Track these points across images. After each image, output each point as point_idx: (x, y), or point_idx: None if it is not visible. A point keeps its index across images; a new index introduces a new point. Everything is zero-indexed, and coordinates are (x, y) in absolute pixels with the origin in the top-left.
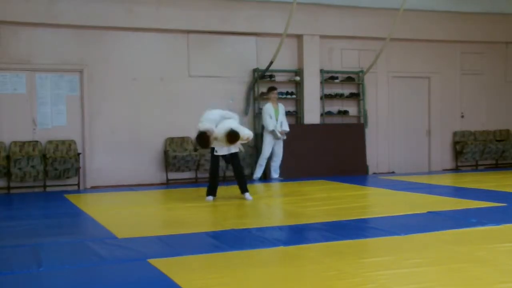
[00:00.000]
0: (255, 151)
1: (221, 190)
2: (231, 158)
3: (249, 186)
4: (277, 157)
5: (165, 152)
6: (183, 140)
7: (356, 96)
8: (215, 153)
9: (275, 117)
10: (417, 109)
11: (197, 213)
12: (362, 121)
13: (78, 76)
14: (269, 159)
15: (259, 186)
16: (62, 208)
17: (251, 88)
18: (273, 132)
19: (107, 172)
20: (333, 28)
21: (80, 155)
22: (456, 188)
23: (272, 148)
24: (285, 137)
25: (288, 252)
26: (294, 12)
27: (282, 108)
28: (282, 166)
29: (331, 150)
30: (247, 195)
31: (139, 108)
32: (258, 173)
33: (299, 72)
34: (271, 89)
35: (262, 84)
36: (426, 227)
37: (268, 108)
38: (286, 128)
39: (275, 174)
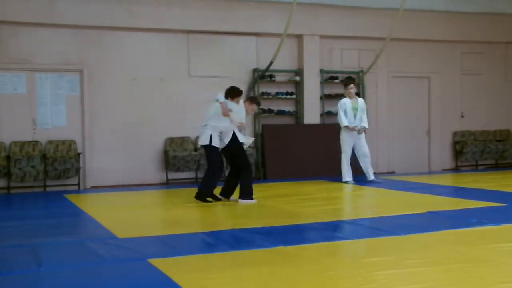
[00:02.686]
0: (255, 151)
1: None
2: (231, 156)
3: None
4: (364, 157)
5: (165, 152)
6: (183, 140)
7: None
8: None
9: (352, 113)
10: (417, 109)
11: (197, 213)
12: None
13: (78, 76)
14: (355, 159)
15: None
16: (62, 208)
17: (251, 88)
18: (347, 128)
19: (107, 172)
20: (333, 28)
21: (80, 155)
22: (456, 188)
23: (355, 148)
24: (361, 133)
25: (288, 252)
26: (294, 12)
27: (362, 103)
28: (282, 166)
29: (331, 150)
30: (240, 201)
31: (139, 108)
32: (348, 176)
33: (299, 72)
34: (347, 83)
35: (262, 84)
36: (426, 227)
37: (343, 103)
38: (364, 124)
39: (370, 176)
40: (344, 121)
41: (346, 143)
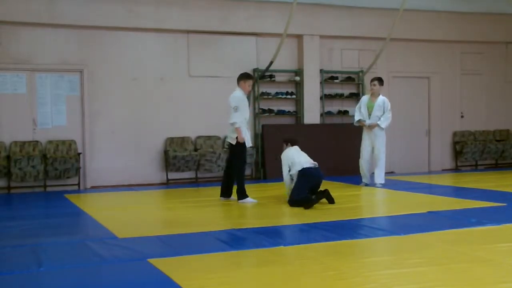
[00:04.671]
0: (255, 151)
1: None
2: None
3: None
4: (376, 160)
5: (165, 152)
6: (183, 140)
7: (356, 96)
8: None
9: (368, 111)
10: (417, 109)
11: (197, 213)
12: None
13: (78, 76)
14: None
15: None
16: (62, 208)
17: (251, 88)
18: (358, 123)
19: (107, 172)
20: (333, 28)
21: (80, 155)
22: (456, 188)
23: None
24: (376, 132)
25: (288, 252)
26: (294, 12)
27: (382, 102)
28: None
29: (331, 150)
30: (238, 201)
31: (139, 108)
32: (363, 178)
33: (299, 72)
34: (371, 80)
35: (262, 84)
36: (426, 227)
37: (361, 100)
38: (381, 123)
39: (376, 179)
40: (355, 116)
41: (362, 143)
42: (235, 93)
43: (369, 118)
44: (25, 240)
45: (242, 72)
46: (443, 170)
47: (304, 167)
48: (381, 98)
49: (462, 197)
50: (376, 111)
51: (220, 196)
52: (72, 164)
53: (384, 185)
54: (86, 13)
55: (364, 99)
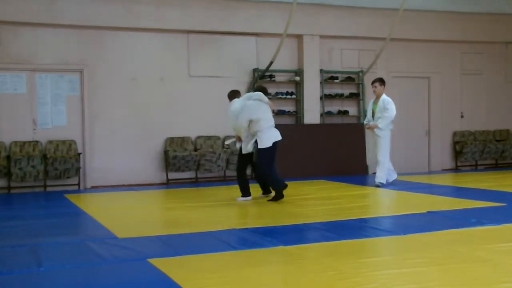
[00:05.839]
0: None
1: (223, 189)
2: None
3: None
4: (378, 160)
5: (165, 152)
6: (183, 140)
7: (356, 96)
8: (243, 152)
9: (371, 112)
10: (417, 109)
11: (197, 213)
12: (362, 121)
13: (78, 76)
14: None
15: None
16: (62, 208)
17: (251, 88)
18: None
19: (107, 172)
20: (333, 28)
21: (81, 155)
22: (456, 188)
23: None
24: (377, 133)
25: (288, 252)
26: (294, 12)
27: (382, 102)
28: (282, 166)
29: (331, 150)
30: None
31: (139, 108)
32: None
33: (299, 72)
34: (371, 83)
35: (262, 84)
36: (426, 227)
37: (368, 103)
38: (379, 124)
39: (376, 178)
40: (364, 121)
41: (366, 143)
42: (236, 101)
43: (373, 119)
44: (25, 240)
45: (241, 72)
46: (443, 170)
47: (276, 140)
48: (382, 98)
49: (462, 197)
50: (378, 113)
51: (245, 196)
52: (72, 164)
53: (383, 185)
54: (86, 13)
55: (370, 102)
